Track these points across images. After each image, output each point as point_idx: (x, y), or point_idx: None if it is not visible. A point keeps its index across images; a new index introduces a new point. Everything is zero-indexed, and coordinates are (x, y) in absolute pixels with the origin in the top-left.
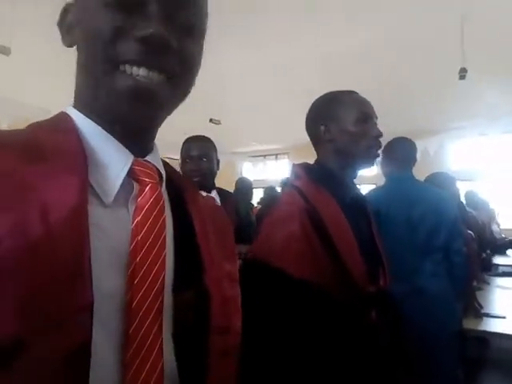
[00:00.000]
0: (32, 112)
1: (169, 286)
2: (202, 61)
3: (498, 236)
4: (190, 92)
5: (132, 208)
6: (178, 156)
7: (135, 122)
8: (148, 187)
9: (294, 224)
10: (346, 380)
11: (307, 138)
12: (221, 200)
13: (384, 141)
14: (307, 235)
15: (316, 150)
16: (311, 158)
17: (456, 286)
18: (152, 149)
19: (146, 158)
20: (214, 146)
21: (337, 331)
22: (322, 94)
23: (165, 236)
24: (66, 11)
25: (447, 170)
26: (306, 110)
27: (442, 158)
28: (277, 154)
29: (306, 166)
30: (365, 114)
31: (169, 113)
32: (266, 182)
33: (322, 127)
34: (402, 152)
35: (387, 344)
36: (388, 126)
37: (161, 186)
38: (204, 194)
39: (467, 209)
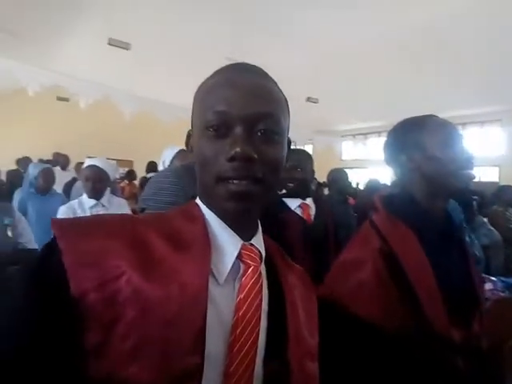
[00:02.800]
0: (148, 104)
1: (261, 355)
2: (298, 38)
3: None
4: (276, 186)
5: (237, 286)
6: None
7: (238, 215)
8: (251, 269)
9: (367, 268)
10: None
11: (418, 112)
12: (316, 207)
13: None
14: (381, 279)
15: (398, 177)
16: None
17: None
18: (256, 231)
19: (251, 241)
20: (310, 157)
21: (411, 377)
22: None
23: (260, 313)
24: (189, 136)
25: None
26: (414, 83)
27: None
28: (379, 132)
29: (385, 198)
30: (451, 137)
31: (263, 205)
32: (367, 162)
33: (404, 157)
34: None
35: None
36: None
37: (260, 265)
38: (298, 202)
39: None
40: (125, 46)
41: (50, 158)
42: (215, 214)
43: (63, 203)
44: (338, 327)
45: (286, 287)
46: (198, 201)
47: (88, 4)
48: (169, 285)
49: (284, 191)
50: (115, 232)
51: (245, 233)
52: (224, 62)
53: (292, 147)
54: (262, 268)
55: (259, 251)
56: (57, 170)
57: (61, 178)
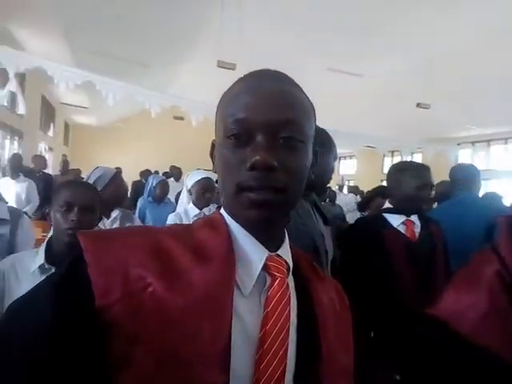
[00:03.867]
0: None
1: (291, 372)
2: (402, 40)
3: None
4: (300, 195)
5: (263, 299)
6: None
7: (260, 223)
8: (277, 281)
9: (482, 298)
10: None
11: None
12: (422, 224)
13: None
14: (498, 309)
15: None
16: None
17: None
18: (283, 242)
19: (278, 252)
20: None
21: None
22: None
23: (288, 327)
24: (213, 146)
25: None
26: None
27: None
28: (506, 139)
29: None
30: None
31: (286, 214)
32: (490, 173)
33: None
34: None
35: None
36: None
37: (287, 277)
38: (401, 218)
39: None
40: (231, 67)
41: (167, 170)
42: (239, 223)
43: (174, 211)
44: (453, 350)
45: (316, 299)
46: (222, 211)
47: (199, 31)
48: (192, 296)
49: (385, 207)
50: (139, 243)
51: (270, 243)
52: (325, 73)
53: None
54: (290, 279)
55: (286, 262)
56: (171, 181)
57: (174, 188)
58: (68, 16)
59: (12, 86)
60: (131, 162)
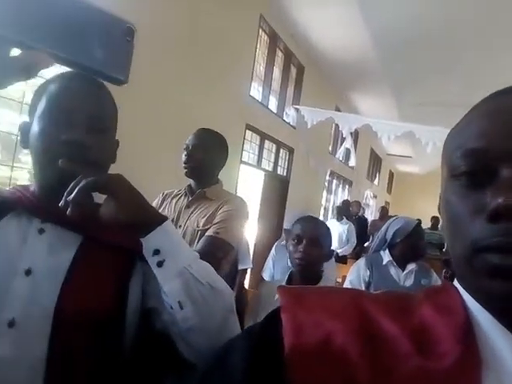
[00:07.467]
0: None
1: None
2: None
3: None
4: None
5: None
6: None
7: (509, 304)
8: None
9: None
10: None
11: None
12: None
13: None
14: None
15: None
16: None
17: None
18: None
19: None
20: None
21: None
22: None
23: None
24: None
25: None
26: None
27: None
28: None
29: None
30: None
31: None
32: None
33: None
34: None
35: None
36: None
37: None
38: None
39: None
40: None
41: None
42: (481, 304)
43: None
44: None
45: None
46: (456, 283)
47: None
48: None
49: None
50: (342, 312)
51: None
52: None
53: None
54: None
55: None
56: None
57: None
58: (396, 77)
59: (348, 143)
60: (419, 211)
